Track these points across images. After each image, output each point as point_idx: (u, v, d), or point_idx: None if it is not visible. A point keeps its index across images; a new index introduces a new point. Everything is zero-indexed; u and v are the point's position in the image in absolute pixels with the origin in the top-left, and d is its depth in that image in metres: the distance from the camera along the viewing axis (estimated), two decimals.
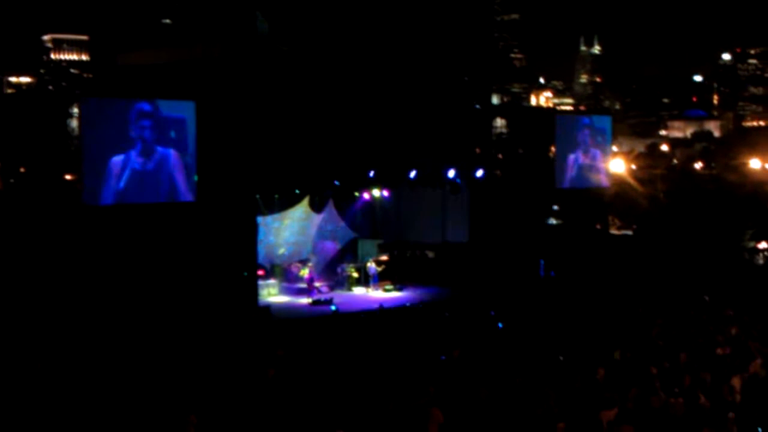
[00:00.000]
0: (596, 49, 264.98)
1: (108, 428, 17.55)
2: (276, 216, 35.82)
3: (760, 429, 16.08)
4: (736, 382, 19.08)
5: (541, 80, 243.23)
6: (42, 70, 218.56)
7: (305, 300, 34.16)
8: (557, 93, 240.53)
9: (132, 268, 27.53)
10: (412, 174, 35.54)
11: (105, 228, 27.46)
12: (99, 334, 25.19)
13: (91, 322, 25.97)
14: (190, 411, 16.91)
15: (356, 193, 37.72)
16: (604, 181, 41.96)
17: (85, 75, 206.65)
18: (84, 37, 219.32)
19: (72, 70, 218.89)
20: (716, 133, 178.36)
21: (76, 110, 27.59)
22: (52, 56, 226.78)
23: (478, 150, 38.79)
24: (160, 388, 19.69)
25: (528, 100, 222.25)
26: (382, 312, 30.88)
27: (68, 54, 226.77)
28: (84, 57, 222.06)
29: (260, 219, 33.44)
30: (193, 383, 20.21)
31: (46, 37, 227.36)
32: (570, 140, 40.12)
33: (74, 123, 27.73)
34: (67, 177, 28.53)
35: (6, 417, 17.69)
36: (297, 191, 34.87)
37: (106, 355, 23.08)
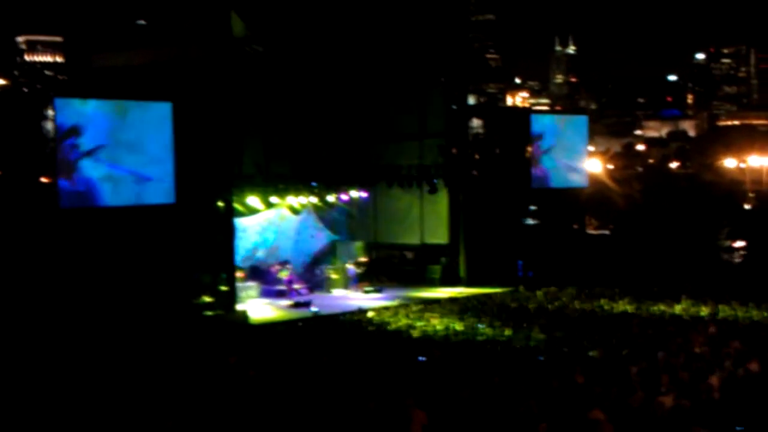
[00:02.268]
0: (571, 49, 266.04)
1: None
2: (254, 218, 35.70)
3: (739, 428, 16.13)
4: (714, 380, 19.15)
5: (517, 80, 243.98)
6: (16, 72, 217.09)
7: (285, 302, 34.06)
8: (533, 93, 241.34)
9: (109, 271, 27.36)
10: (390, 175, 35.52)
11: (82, 231, 27.29)
12: (75, 337, 25.01)
13: (68, 326, 25.78)
14: (167, 416, 16.81)
15: (334, 195, 37.64)
16: (581, 180, 42.13)
17: (59, 77, 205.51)
18: (58, 39, 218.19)
19: (46, 72, 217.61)
20: (691, 133, 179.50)
21: (50, 112, 27.35)
22: (26, 58, 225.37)
23: (455, 150, 38.78)
24: (137, 392, 19.58)
25: (504, 100, 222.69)
26: (360, 313, 30.90)
27: (42, 56, 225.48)
28: (58, 59, 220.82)
29: (238, 221, 33.30)
30: (170, 387, 20.11)
31: (20, 39, 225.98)
32: (546, 140, 40.25)
33: (49, 125, 27.49)
34: (43, 180, 28.26)
35: None
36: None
37: (84, 358, 22.94)
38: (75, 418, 17.89)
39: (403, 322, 28.67)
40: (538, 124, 40.62)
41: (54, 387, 20.15)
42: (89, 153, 27.66)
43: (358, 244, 39.13)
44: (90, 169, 27.51)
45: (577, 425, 16.42)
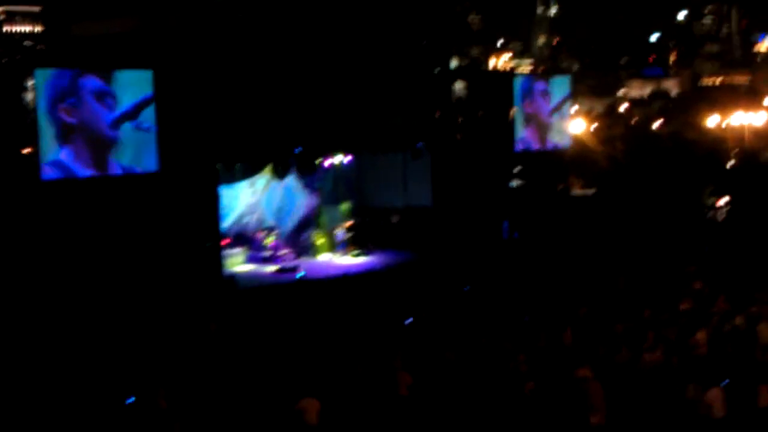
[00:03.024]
0: (553, 10, 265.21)
1: (76, 404, 17.48)
2: (238, 185, 35.59)
3: (726, 381, 16.28)
4: (700, 336, 19.32)
5: (500, 43, 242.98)
6: None
7: (271, 268, 34.05)
8: (516, 55, 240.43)
9: (94, 242, 27.20)
10: (374, 139, 35.40)
11: (65, 202, 27.07)
12: (61, 311, 24.94)
13: (52, 300, 25.66)
14: (159, 384, 16.86)
15: (318, 160, 37.48)
16: (565, 141, 42.22)
17: (38, 47, 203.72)
18: (36, 9, 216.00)
19: (25, 42, 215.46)
20: (674, 92, 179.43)
21: (31, 83, 27.08)
22: (5, 29, 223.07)
23: (437, 114, 38.69)
24: (128, 361, 19.64)
25: (487, 63, 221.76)
26: (347, 278, 30.97)
27: (21, 26, 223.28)
28: (38, 28, 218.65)
29: (222, 188, 33.19)
30: (161, 355, 20.17)
31: None
32: (530, 102, 40.28)
33: (29, 96, 27.24)
34: (24, 152, 28.04)
35: None
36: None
37: (71, 333, 22.93)
38: (61, 392, 17.96)
39: None
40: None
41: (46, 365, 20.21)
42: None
43: (344, 208, 39.04)
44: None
45: (564, 384, 16.55)
